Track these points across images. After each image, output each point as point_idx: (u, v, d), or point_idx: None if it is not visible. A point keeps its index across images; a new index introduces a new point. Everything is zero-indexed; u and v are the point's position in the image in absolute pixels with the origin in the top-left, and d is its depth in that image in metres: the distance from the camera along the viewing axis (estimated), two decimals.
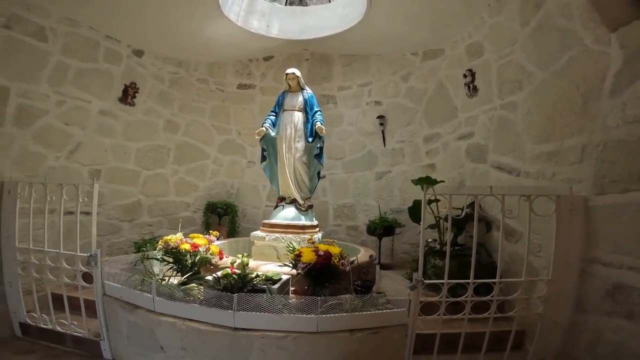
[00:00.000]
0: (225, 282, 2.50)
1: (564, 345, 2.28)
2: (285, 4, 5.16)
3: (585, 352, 2.16)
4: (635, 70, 2.01)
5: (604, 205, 2.13)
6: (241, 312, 2.27)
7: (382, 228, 4.37)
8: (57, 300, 2.85)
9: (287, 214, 3.83)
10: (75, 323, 2.77)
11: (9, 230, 2.94)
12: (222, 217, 5.08)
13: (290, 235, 3.56)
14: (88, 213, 2.77)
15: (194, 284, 2.64)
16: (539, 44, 2.89)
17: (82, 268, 2.73)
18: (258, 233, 3.75)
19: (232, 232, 5.03)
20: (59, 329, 2.81)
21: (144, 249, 3.26)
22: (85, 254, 2.68)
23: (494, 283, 2.26)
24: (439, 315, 2.24)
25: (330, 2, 5.03)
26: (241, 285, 2.46)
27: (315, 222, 3.97)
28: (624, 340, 1.94)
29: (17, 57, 3.25)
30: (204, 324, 2.32)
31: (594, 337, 2.12)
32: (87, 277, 2.74)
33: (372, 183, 5.13)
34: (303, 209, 3.91)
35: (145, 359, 2.50)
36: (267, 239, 3.64)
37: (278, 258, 3.48)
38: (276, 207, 4.01)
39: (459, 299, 2.25)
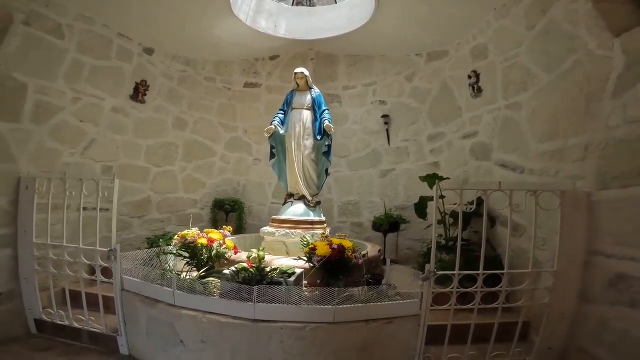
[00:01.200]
0: (244, 275, 2.56)
1: (570, 335, 2.40)
2: (293, 5, 5.23)
3: (591, 341, 2.28)
4: (636, 74, 2.15)
5: (606, 200, 2.26)
6: (261, 304, 2.32)
7: (388, 224, 4.48)
8: (72, 296, 2.89)
9: (297, 210, 3.91)
10: (93, 319, 2.81)
11: (27, 225, 2.97)
12: (230, 213, 5.15)
13: (300, 231, 3.64)
14: (102, 209, 2.82)
15: (212, 278, 2.71)
16: (544, 48, 3.01)
17: (102, 263, 2.77)
18: (268, 229, 3.83)
19: (239, 228, 5.09)
20: (76, 325, 2.84)
21: (160, 244, 3.32)
22: (105, 249, 2.73)
23: (502, 274, 2.37)
24: (450, 305, 2.33)
25: (336, 2, 5.11)
26: (259, 279, 2.52)
27: (323, 218, 4.06)
28: (628, 328, 2.06)
29: (36, 54, 3.28)
30: (224, 316, 2.36)
31: (599, 326, 2.24)
32: (104, 273, 2.78)
33: (377, 181, 5.24)
34: (312, 205, 3.99)
35: (165, 353, 2.54)
36: (277, 235, 3.72)
37: (287, 253, 3.58)
38: (285, 203, 4.08)
39: (469, 289, 2.35)
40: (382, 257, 3.83)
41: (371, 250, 3.68)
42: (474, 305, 2.35)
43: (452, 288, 2.35)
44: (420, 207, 4.04)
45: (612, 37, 2.35)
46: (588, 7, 2.50)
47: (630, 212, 2.10)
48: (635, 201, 2.07)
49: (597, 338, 2.24)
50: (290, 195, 4.06)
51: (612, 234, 2.21)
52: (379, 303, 2.42)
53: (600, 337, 2.22)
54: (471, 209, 2.38)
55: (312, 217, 3.91)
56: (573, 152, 2.58)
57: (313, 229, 3.74)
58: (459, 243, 2.40)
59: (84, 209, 2.86)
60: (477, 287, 2.34)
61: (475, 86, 4.03)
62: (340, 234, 3.15)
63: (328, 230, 3.94)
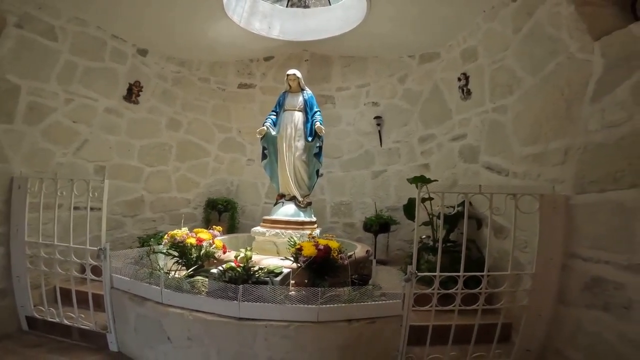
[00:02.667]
0: (230, 274, 2.61)
1: (548, 337, 2.43)
2: (287, 6, 5.26)
3: (566, 343, 2.32)
4: (615, 78, 2.17)
5: (583, 204, 2.29)
6: (246, 302, 2.37)
7: (378, 225, 4.53)
8: (63, 294, 2.94)
9: (287, 211, 3.95)
10: (83, 316, 2.86)
11: (19, 224, 3.02)
12: (222, 213, 5.21)
13: (289, 231, 3.68)
14: (93, 208, 2.87)
15: (199, 277, 2.76)
16: (529, 51, 3.03)
17: (91, 261, 2.82)
18: (259, 229, 3.87)
19: (231, 228, 5.15)
20: (66, 322, 2.89)
21: (151, 243, 3.37)
22: (95, 248, 2.78)
23: (482, 276, 2.40)
24: (431, 306, 2.36)
25: (330, 4, 5.14)
26: (245, 278, 2.57)
27: (313, 219, 4.11)
28: (600, 331, 2.10)
29: (29, 56, 3.33)
30: (210, 314, 2.41)
31: (575, 328, 2.27)
32: (94, 271, 2.83)
33: (369, 182, 5.28)
34: (302, 205, 4.04)
35: (153, 350, 2.60)
36: (267, 235, 3.76)
37: (278, 253, 3.62)
38: (276, 203, 4.13)
39: (449, 291, 2.38)
40: (370, 258, 3.86)
41: (360, 250, 3.71)
42: (454, 306, 2.38)
43: (433, 289, 2.38)
44: (409, 209, 4.07)
45: (592, 41, 2.37)
46: (570, 10, 2.52)
47: (605, 216, 2.13)
48: (610, 205, 2.10)
49: (572, 340, 2.28)
50: (282, 196, 4.11)
51: (588, 237, 2.24)
52: (362, 303, 2.46)
53: (576, 339, 2.25)
54: (452, 212, 2.41)
55: (302, 217, 3.95)
56: (554, 155, 2.61)
57: (303, 229, 3.78)
58: (440, 244, 2.44)
59: (76, 208, 2.92)
60: (457, 289, 2.37)
61: (465, 88, 4.06)
62: (327, 234, 3.20)
63: (318, 231, 3.99)
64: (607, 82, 2.24)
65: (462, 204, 2.57)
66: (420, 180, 3.61)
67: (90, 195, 2.81)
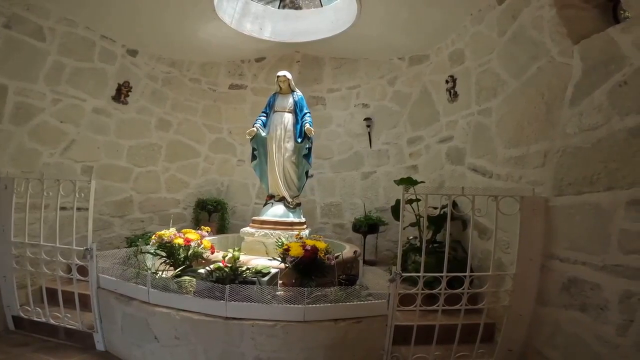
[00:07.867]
0: (218, 274, 2.63)
1: (529, 337, 2.48)
2: (279, 7, 5.28)
3: (545, 343, 2.36)
4: (592, 82, 2.22)
5: (561, 206, 2.35)
6: (233, 302, 2.38)
7: (367, 226, 4.57)
8: (49, 294, 2.93)
9: (276, 211, 3.97)
10: (69, 316, 2.85)
11: (5, 224, 2.99)
12: (212, 213, 5.20)
13: (278, 232, 3.70)
14: (80, 209, 2.86)
15: (187, 277, 2.77)
16: (513, 54, 3.09)
17: (78, 261, 2.81)
18: (248, 229, 3.89)
19: (221, 228, 5.15)
20: (52, 321, 2.88)
21: (139, 243, 3.37)
22: (81, 248, 2.78)
23: (465, 277, 2.44)
24: (415, 306, 2.39)
25: (322, 6, 5.18)
26: (233, 278, 2.58)
27: (302, 219, 4.14)
28: (578, 332, 2.14)
29: (16, 56, 3.32)
30: (197, 314, 2.43)
31: (553, 328, 2.32)
32: (81, 271, 2.82)
33: (358, 183, 5.32)
34: (291, 206, 4.06)
35: (139, 349, 2.60)
36: (256, 235, 3.78)
37: (267, 253, 3.64)
38: (265, 204, 4.15)
39: (433, 291, 2.41)
40: (358, 258, 3.90)
41: (348, 251, 3.75)
42: (437, 306, 2.41)
43: (417, 289, 2.41)
44: (397, 210, 4.10)
45: (572, 44, 2.42)
46: (552, 13, 2.57)
47: (581, 218, 2.18)
48: (587, 207, 2.16)
49: (551, 341, 2.32)
50: (271, 197, 4.13)
51: (566, 239, 2.29)
52: (348, 303, 2.49)
53: (554, 339, 2.30)
54: (436, 213, 2.46)
55: (291, 218, 3.98)
56: (534, 158, 2.67)
57: (292, 229, 3.80)
58: (423, 245, 2.48)
59: (63, 208, 2.90)
60: (440, 289, 2.41)
61: (452, 91, 4.11)
62: (315, 235, 3.22)
63: (307, 231, 4.02)
64: (585, 85, 2.28)
65: (443, 206, 2.61)
66: (406, 182, 3.69)
67: (77, 195, 2.80)
